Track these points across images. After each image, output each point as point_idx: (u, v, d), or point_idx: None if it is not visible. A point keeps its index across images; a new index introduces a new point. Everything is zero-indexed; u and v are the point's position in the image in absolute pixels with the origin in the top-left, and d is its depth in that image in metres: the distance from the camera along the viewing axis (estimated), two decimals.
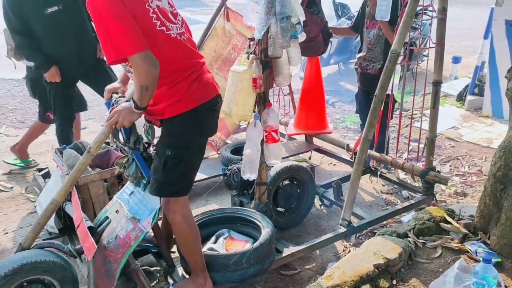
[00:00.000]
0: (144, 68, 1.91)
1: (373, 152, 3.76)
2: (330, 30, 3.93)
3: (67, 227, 3.06)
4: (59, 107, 3.92)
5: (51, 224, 3.08)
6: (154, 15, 2.02)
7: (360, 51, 4.09)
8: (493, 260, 2.50)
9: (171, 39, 2.09)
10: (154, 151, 2.30)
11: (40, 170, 3.99)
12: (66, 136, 3.94)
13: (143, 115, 2.20)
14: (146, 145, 2.28)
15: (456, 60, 7.41)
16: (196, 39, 4.44)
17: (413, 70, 6.77)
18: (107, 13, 1.86)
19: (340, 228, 3.02)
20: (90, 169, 3.16)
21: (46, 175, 3.88)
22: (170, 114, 2.15)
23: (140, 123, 2.25)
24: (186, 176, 2.27)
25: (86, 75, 3.94)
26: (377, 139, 3.79)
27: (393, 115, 3.96)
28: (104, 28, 1.88)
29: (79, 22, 3.73)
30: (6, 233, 3.39)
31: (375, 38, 3.84)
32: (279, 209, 3.37)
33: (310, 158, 4.55)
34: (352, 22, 4.28)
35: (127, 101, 2.20)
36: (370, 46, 3.90)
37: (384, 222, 3.37)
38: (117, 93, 2.38)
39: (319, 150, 4.42)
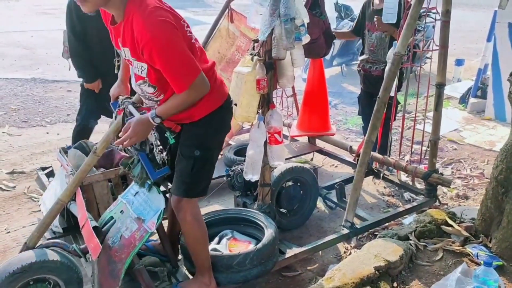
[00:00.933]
0: (204, 87, 2.05)
1: (376, 154, 3.77)
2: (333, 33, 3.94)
3: (71, 226, 3.08)
4: (85, 112, 3.90)
5: (55, 224, 3.09)
6: (188, 29, 2.09)
7: (362, 53, 4.10)
8: (494, 263, 2.50)
9: (199, 48, 2.17)
10: (160, 152, 2.32)
11: (43, 169, 4.01)
12: (80, 139, 3.91)
13: None
14: (152, 147, 2.30)
15: (459, 62, 7.42)
16: (199, 40, 4.49)
17: (416, 72, 6.80)
18: (171, 49, 1.93)
19: (343, 229, 3.03)
20: (94, 169, 3.17)
21: (50, 174, 3.90)
22: (200, 115, 2.22)
23: None
24: (210, 175, 2.37)
25: None
26: (380, 141, 3.80)
27: (396, 117, 3.96)
28: (170, 64, 1.94)
29: None
30: (8, 232, 3.41)
31: (378, 40, 3.85)
32: (281, 210, 3.39)
33: (312, 159, 4.56)
34: (353, 26, 4.28)
35: (133, 102, 2.22)
36: (372, 49, 3.91)
37: (386, 225, 3.38)
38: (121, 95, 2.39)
39: (322, 151, 4.43)
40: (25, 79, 7.23)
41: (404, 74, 3.74)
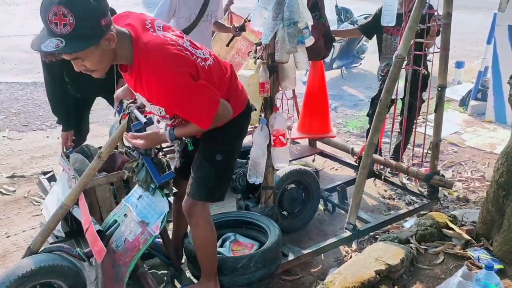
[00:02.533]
0: (226, 114, 2.07)
1: (377, 156, 3.78)
2: (333, 35, 3.95)
3: (73, 230, 3.08)
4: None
5: (58, 228, 3.10)
6: (194, 56, 1.98)
7: (380, 58, 4.09)
8: (496, 266, 2.50)
9: (211, 68, 2.05)
10: (164, 156, 2.33)
11: (45, 173, 4.00)
12: (77, 144, 3.88)
13: (156, 123, 2.27)
14: (156, 151, 2.30)
15: (459, 65, 7.43)
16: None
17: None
18: (186, 93, 1.88)
19: (345, 231, 3.03)
20: (96, 172, 3.18)
21: (51, 179, 3.90)
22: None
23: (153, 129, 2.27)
24: (230, 179, 2.41)
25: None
26: (381, 144, 3.81)
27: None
28: (187, 109, 1.92)
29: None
30: (8, 236, 3.40)
31: None
32: (283, 212, 3.39)
33: (313, 161, 4.57)
34: (364, 24, 4.26)
35: (138, 107, 2.22)
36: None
37: (386, 228, 3.38)
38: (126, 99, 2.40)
39: (323, 154, 4.44)
40: (25, 83, 7.22)
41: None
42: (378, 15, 4.08)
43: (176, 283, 2.66)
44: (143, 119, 2.15)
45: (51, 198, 3.31)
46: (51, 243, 2.88)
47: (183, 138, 2.26)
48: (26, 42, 9.71)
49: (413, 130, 3.77)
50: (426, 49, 3.55)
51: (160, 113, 2.07)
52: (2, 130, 5.43)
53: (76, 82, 3.55)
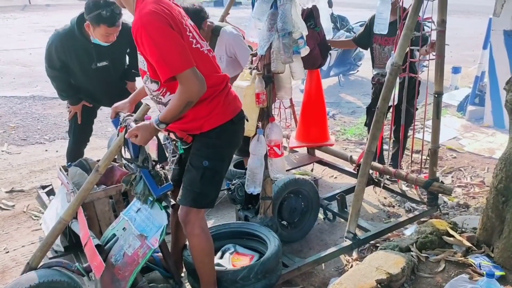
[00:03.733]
0: (196, 82, 2.02)
1: (376, 164, 3.78)
2: (329, 44, 3.97)
3: (72, 245, 3.07)
4: (74, 128, 3.88)
5: (57, 243, 3.08)
6: (190, 34, 2.13)
7: (373, 66, 4.12)
8: (497, 273, 2.48)
9: (204, 55, 2.19)
10: (161, 168, 2.33)
11: (44, 187, 4.00)
12: (76, 156, 3.90)
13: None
14: (154, 163, 2.30)
15: (455, 70, 7.44)
16: None
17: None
18: (158, 35, 1.96)
19: (345, 240, 3.02)
20: (95, 186, 3.17)
21: (50, 193, 3.89)
22: (209, 127, 2.24)
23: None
24: (219, 187, 2.38)
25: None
26: (379, 151, 3.80)
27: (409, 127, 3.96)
28: (157, 49, 1.96)
29: (119, 71, 3.77)
30: (7, 252, 3.37)
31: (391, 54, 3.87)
32: (283, 222, 3.38)
33: (312, 170, 4.56)
34: (356, 35, 4.30)
35: (135, 120, 2.23)
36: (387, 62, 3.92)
37: (387, 235, 3.36)
38: (123, 112, 2.40)
39: (321, 162, 4.44)
40: (24, 96, 7.23)
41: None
42: (368, 26, 4.11)
43: None
44: None
45: (50, 212, 3.30)
46: (50, 258, 2.87)
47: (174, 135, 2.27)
48: (24, 56, 9.81)
49: (412, 136, 3.78)
50: (421, 56, 3.57)
51: (143, 66, 2.16)
52: (1, 145, 5.43)
53: (83, 90, 3.65)
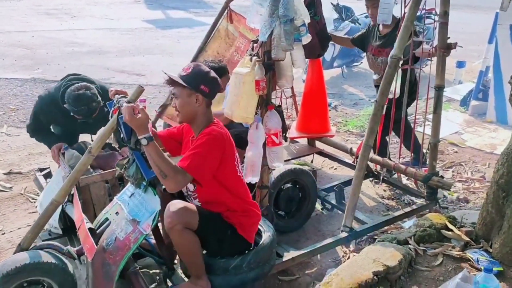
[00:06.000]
0: (180, 186, 2.24)
1: (376, 157, 3.74)
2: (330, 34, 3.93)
3: (69, 227, 3.05)
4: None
5: (55, 225, 3.07)
6: (237, 164, 2.45)
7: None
8: (495, 269, 2.46)
9: (242, 181, 2.52)
10: None
11: (41, 170, 3.98)
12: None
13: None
14: None
15: (460, 64, 7.37)
16: (200, 40, 4.47)
17: (417, 74, 6.77)
18: (209, 147, 2.25)
19: (341, 233, 3.00)
20: (91, 170, 3.15)
21: (47, 175, 3.87)
22: (234, 221, 2.42)
23: None
24: None
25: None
26: (379, 144, 3.76)
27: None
28: (200, 149, 2.24)
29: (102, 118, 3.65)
30: (4, 233, 3.37)
31: (385, 64, 3.82)
32: (279, 212, 3.36)
33: (312, 161, 4.53)
34: (355, 37, 4.25)
35: (128, 101, 2.20)
36: (383, 72, 3.88)
37: (385, 228, 3.34)
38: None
39: (322, 153, 4.40)
40: (25, 79, 7.19)
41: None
42: (366, 32, 4.07)
43: (169, 282, 2.62)
44: None
45: (46, 195, 3.29)
46: (43, 240, 2.86)
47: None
48: (26, 38, 9.75)
49: (413, 130, 3.75)
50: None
51: None
52: (0, 126, 5.41)
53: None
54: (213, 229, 2.36)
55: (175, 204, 2.26)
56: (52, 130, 3.69)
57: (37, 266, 2.25)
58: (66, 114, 3.36)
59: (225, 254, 2.42)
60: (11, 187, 4.04)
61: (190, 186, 2.39)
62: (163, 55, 9.04)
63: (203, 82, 2.31)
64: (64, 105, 3.27)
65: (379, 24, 3.90)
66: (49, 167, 4.03)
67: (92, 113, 3.28)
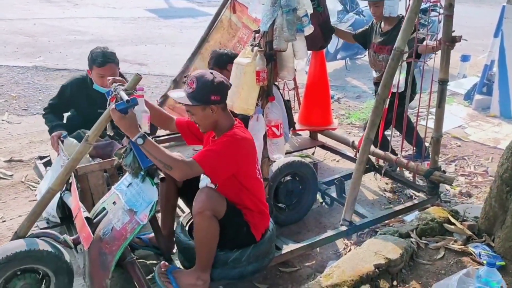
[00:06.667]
0: (186, 172, 2.20)
1: (378, 150, 3.70)
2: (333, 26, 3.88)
3: (67, 216, 3.03)
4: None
5: (53, 213, 3.05)
6: (257, 166, 2.49)
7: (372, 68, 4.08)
8: (497, 263, 2.45)
9: (261, 183, 2.54)
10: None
11: (41, 158, 3.96)
12: None
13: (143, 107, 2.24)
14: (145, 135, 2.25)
15: (464, 58, 7.31)
16: (203, 31, 4.43)
17: (420, 67, 6.71)
18: (228, 148, 2.25)
19: (341, 226, 2.98)
20: (90, 159, 3.13)
21: (48, 163, 3.85)
22: (250, 219, 2.42)
23: (140, 113, 2.21)
24: None
25: None
26: (381, 137, 3.72)
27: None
28: (220, 148, 2.26)
29: None
30: (4, 221, 3.36)
31: (386, 62, 3.79)
32: (279, 205, 3.33)
33: (313, 153, 4.50)
34: (357, 32, 4.20)
35: (125, 89, 2.16)
36: (384, 70, 3.85)
37: (387, 221, 3.32)
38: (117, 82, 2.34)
39: (324, 146, 4.37)
40: (26, 66, 7.15)
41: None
42: (368, 29, 4.04)
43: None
44: (125, 98, 2.12)
45: (45, 183, 3.26)
46: (41, 229, 2.84)
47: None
48: (28, 26, 9.70)
49: (415, 123, 3.71)
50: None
51: None
52: (1, 114, 5.39)
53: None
54: (233, 223, 2.35)
55: (208, 190, 2.27)
56: (67, 117, 3.69)
57: (28, 254, 2.23)
58: (90, 99, 3.46)
59: (231, 248, 2.39)
60: (12, 175, 4.03)
61: (211, 186, 2.38)
62: (165, 44, 9.00)
63: (212, 92, 2.26)
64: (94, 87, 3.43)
65: (381, 22, 3.86)
66: (49, 155, 4.00)
67: (105, 57, 3.38)
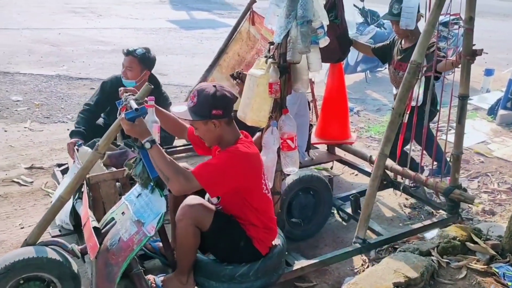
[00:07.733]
0: (185, 186, 2.19)
1: (396, 166, 3.61)
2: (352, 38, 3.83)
3: (80, 224, 3.04)
4: None
5: (66, 221, 3.06)
6: (263, 182, 2.46)
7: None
8: None
9: (269, 199, 2.50)
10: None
11: (59, 165, 4.00)
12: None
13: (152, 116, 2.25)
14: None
15: (488, 72, 7.15)
16: (222, 42, 4.43)
17: (440, 81, 6.58)
18: (229, 164, 2.23)
19: (354, 244, 2.90)
20: (104, 168, 3.13)
21: (65, 171, 3.88)
22: (253, 235, 2.40)
23: (151, 123, 2.21)
24: None
25: None
26: (399, 153, 3.63)
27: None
28: (220, 162, 2.26)
29: None
30: (23, 227, 3.38)
31: None
32: (293, 220, 3.27)
33: (332, 168, 4.43)
34: (377, 46, 4.15)
35: (136, 99, 2.16)
36: None
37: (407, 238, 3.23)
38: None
39: (341, 160, 4.29)
40: (50, 75, 7.28)
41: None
42: (389, 45, 3.99)
43: None
44: (134, 106, 2.14)
45: (60, 190, 3.28)
46: (52, 237, 2.85)
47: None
48: (53, 35, 9.90)
49: (435, 138, 3.62)
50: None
51: None
52: (24, 121, 5.47)
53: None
54: (227, 235, 2.33)
55: (193, 199, 2.27)
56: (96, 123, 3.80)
57: (27, 262, 2.23)
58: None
59: (233, 262, 2.36)
60: (32, 182, 4.07)
61: (214, 199, 2.38)
62: (185, 55, 9.06)
63: (213, 106, 2.23)
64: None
65: (402, 39, 3.81)
66: (67, 163, 4.04)
67: (129, 49, 3.69)
